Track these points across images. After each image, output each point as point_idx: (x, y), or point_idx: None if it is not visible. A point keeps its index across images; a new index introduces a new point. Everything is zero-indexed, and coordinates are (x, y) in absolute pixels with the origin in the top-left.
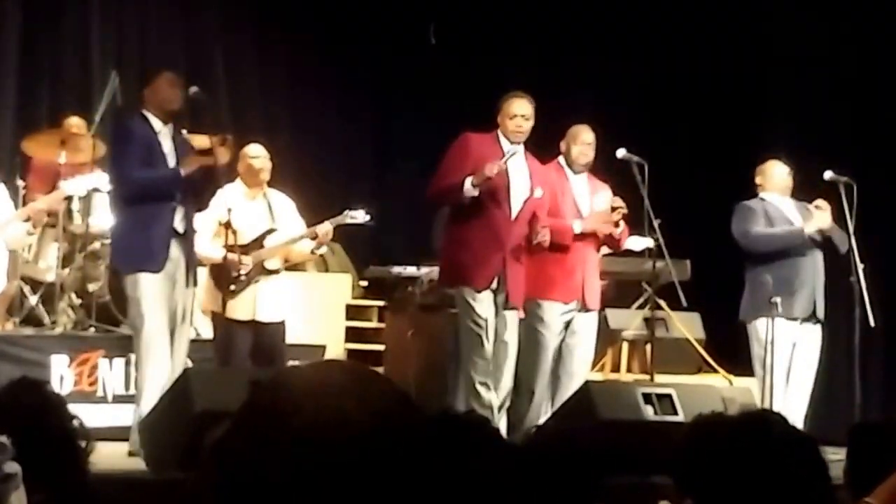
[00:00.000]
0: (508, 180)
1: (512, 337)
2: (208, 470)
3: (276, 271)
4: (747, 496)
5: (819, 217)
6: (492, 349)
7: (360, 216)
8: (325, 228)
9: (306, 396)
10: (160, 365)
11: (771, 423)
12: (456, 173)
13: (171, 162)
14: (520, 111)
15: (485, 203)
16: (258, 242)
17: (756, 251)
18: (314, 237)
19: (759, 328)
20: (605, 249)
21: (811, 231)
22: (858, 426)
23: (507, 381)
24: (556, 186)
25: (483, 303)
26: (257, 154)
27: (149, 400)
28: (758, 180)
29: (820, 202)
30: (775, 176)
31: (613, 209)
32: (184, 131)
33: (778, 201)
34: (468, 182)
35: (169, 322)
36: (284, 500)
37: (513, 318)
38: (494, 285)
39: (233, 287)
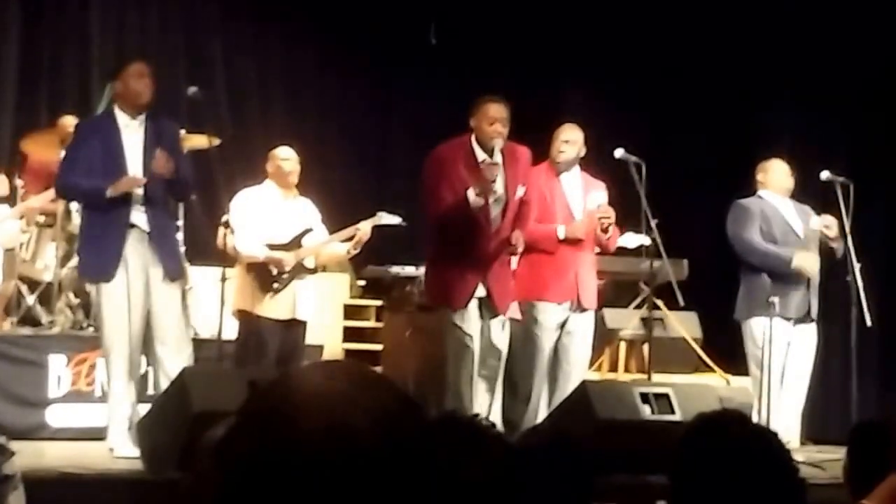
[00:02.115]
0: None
1: (501, 343)
2: (209, 470)
3: (314, 270)
4: (742, 497)
5: (809, 260)
6: (478, 358)
7: (393, 218)
8: (364, 229)
9: (309, 398)
10: (121, 367)
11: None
12: (445, 191)
13: (137, 157)
14: (499, 115)
15: (461, 219)
16: (297, 241)
17: (741, 257)
18: (351, 237)
19: (755, 327)
20: (598, 249)
21: (797, 266)
22: (859, 425)
23: (498, 385)
24: (544, 188)
25: (466, 318)
26: (287, 157)
27: (115, 400)
28: (759, 177)
29: (826, 217)
30: (777, 175)
31: (600, 218)
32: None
33: (776, 201)
34: (471, 194)
35: (143, 319)
36: (286, 501)
37: (499, 325)
38: (482, 292)
39: (276, 285)
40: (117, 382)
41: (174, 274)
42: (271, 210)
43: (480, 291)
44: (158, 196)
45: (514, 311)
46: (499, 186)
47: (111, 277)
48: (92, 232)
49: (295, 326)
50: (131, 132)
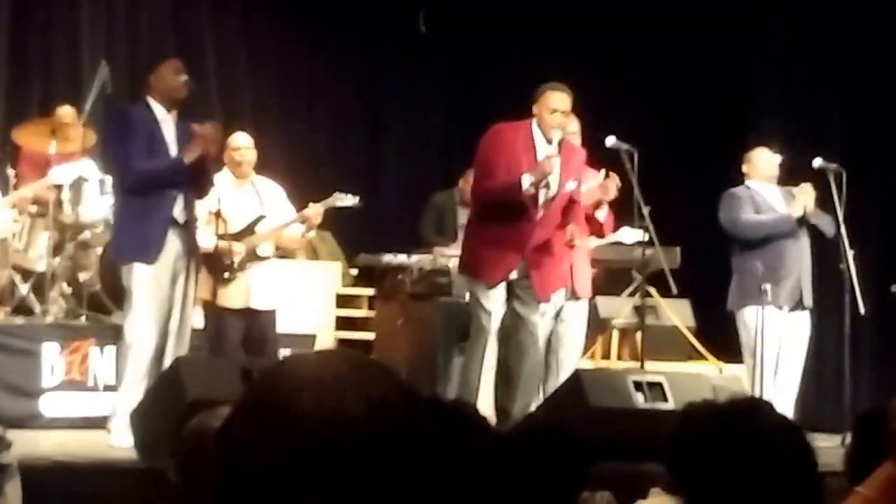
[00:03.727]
0: None
1: (542, 330)
2: (199, 457)
3: (267, 258)
4: (736, 484)
5: (801, 198)
6: (492, 341)
7: (349, 199)
8: (315, 211)
9: (305, 385)
10: (143, 356)
11: (760, 410)
12: (499, 170)
13: (174, 150)
14: (560, 106)
15: (508, 201)
16: (249, 230)
17: (745, 238)
18: (304, 221)
19: (748, 316)
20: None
21: (798, 214)
22: (863, 415)
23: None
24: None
25: (491, 298)
26: (240, 145)
27: (128, 388)
28: (744, 168)
29: (803, 185)
30: (761, 163)
31: (601, 186)
32: (197, 126)
33: (763, 189)
34: (525, 181)
35: (168, 311)
36: (285, 488)
37: (543, 311)
38: (516, 275)
39: (226, 275)
40: (135, 371)
41: (195, 267)
42: (225, 198)
43: (514, 275)
44: (189, 187)
45: (583, 290)
46: (552, 176)
47: (154, 259)
48: (131, 217)
49: (258, 316)
50: (166, 125)
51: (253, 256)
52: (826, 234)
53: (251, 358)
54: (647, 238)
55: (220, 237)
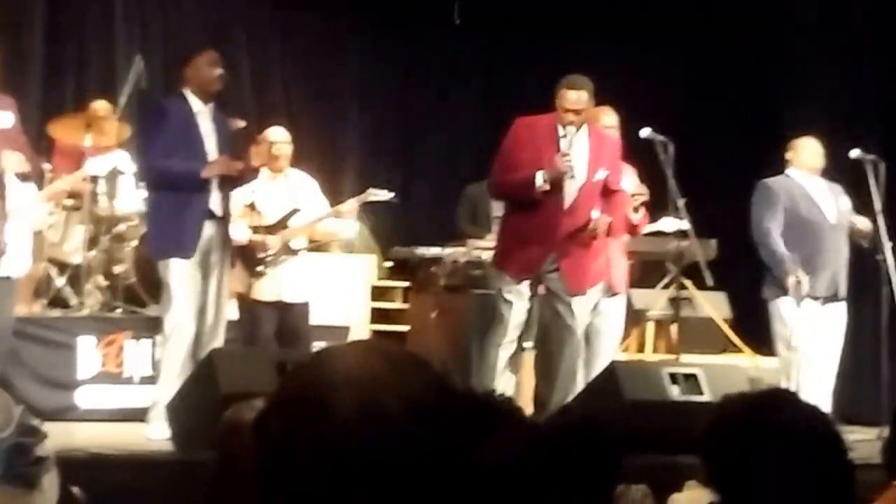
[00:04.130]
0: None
1: (577, 322)
2: (235, 449)
3: (300, 251)
4: (768, 476)
5: (801, 286)
6: (512, 332)
7: (383, 194)
8: (349, 206)
9: (341, 378)
10: (181, 349)
11: (787, 401)
12: (516, 165)
13: (210, 142)
14: (572, 106)
15: (523, 197)
16: (282, 223)
17: (757, 244)
18: (338, 216)
19: (782, 307)
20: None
21: (789, 288)
22: None
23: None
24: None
25: (514, 290)
26: (277, 139)
27: (166, 381)
28: (788, 155)
29: (865, 225)
30: (806, 153)
31: (634, 195)
32: (240, 122)
33: (804, 179)
34: (539, 178)
35: (203, 304)
36: (321, 481)
37: (578, 304)
38: (550, 267)
39: (259, 268)
40: (172, 364)
41: (230, 260)
42: (259, 191)
43: (544, 268)
44: (227, 182)
45: (619, 284)
46: (579, 165)
47: (190, 254)
48: (166, 212)
49: (291, 308)
50: (203, 118)
51: (286, 250)
52: (864, 246)
53: (284, 350)
54: (688, 226)
55: (254, 230)
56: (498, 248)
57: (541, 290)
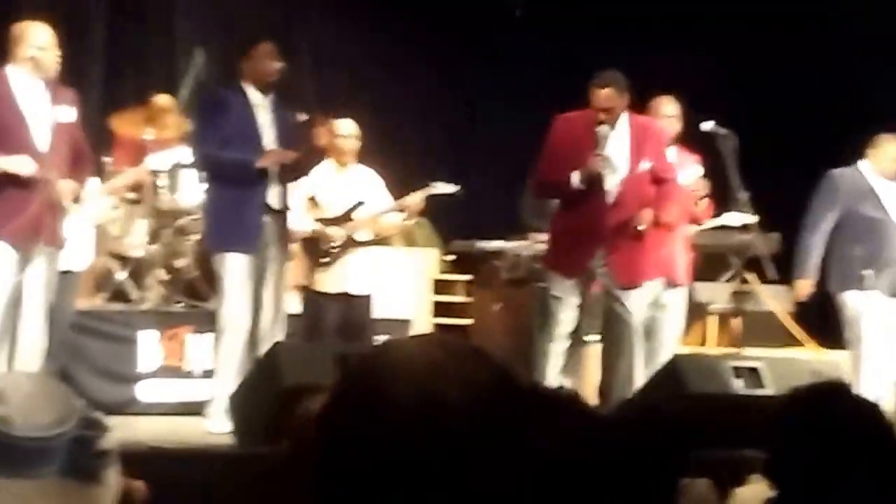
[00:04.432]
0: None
1: (632, 316)
2: (306, 442)
3: (365, 244)
4: (826, 467)
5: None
6: (565, 328)
7: (447, 187)
8: (414, 200)
9: (403, 370)
10: (236, 344)
11: (841, 394)
12: (555, 162)
13: (270, 135)
14: (601, 104)
15: (562, 193)
16: (348, 215)
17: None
18: (403, 209)
19: (848, 301)
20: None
21: (796, 290)
22: None
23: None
24: (674, 167)
25: (561, 286)
26: (346, 133)
27: (223, 376)
28: (868, 153)
29: None
30: (885, 156)
31: (694, 191)
32: (303, 116)
33: (875, 179)
34: (574, 178)
35: (260, 299)
36: (383, 473)
37: (632, 297)
38: (601, 262)
39: (324, 260)
40: (228, 358)
41: (288, 253)
42: (323, 183)
43: (595, 264)
44: (286, 173)
45: (681, 277)
46: (619, 159)
47: (250, 249)
48: (224, 205)
49: (354, 301)
50: (262, 110)
51: (351, 242)
52: None
53: (347, 343)
54: (753, 220)
55: (319, 222)
56: (548, 246)
57: (595, 287)
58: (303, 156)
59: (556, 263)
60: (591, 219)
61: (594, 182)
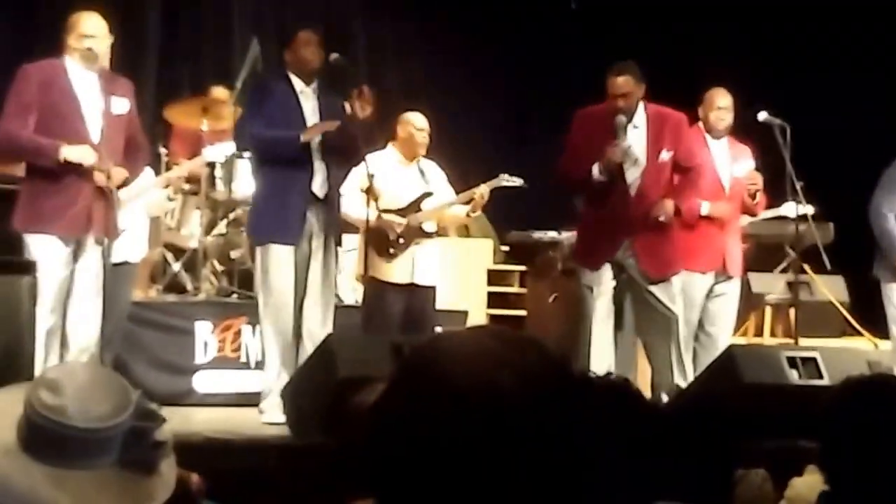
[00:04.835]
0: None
1: (662, 306)
2: (361, 433)
3: (433, 234)
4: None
5: None
6: (605, 320)
7: (514, 180)
8: (482, 191)
9: (457, 360)
10: (281, 335)
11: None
12: (578, 157)
13: (313, 122)
14: (620, 89)
15: (585, 186)
16: (415, 206)
17: (873, 226)
18: (470, 201)
19: (894, 291)
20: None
21: None
22: None
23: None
24: (696, 153)
25: (593, 278)
26: (422, 126)
27: (270, 368)
28: None
29: None
30: None
31: (750, 184)
32: (347, 106)
33: None
34: (595, 170)
35: (305, 290)
36: (437, 462)
37: (661, 289)
38: (625, 257)
39: (392, 250)
40: (274, 349)
41: (335, 243)
42: (390, 175)
43: (619, 255)
44: (332, 162)
45: (734, 268)
46: (638, 150)
47: (295, 241)
48: (269, 194)
49: (419, 291)
50: (306, 98)
51: (419, 232)
52: None
53: (408, 334)
54: (810, 210)
55: (386, 212)
56: (576, 242)
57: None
58: (351, 140)
59: (583, 258)
60: (613, 212)
61: (614, 173)
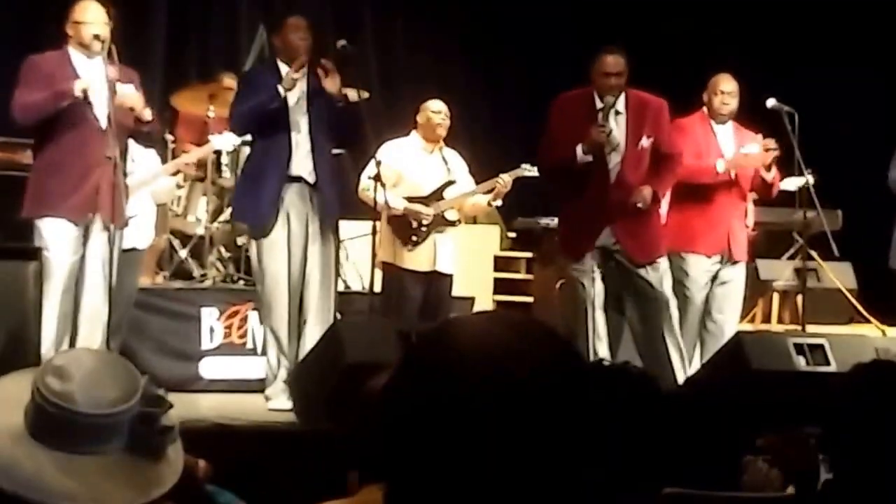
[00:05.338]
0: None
1: (648, 291)
2: (370, 419)
3: (455, 223)
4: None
5: None
6: (598, 300)
7: (535, 170)
8: (505, 180)
9: (468, 346)
10: (278, 322)
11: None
12: (559, 142)
13: (302, 110)
14: (611, 69)
15: (570, 171)
16: (438, 194)
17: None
18: (492, 190)
19: None
20: (753, 195)
21: None
22: None
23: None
24: (700, 141)
25: (580, 268)
26: (439, 110)
27: (271, 356)
28: None
29: None
30: None
31: (766, 150)
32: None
33: None
34: (579, 151)
35: (303, 276)
36: (447, 447)
37: (648, 273)
38: (607, 242)
39: (414, 238)
40: (275, 336)
41: (331, 228)
42: (413, 162)
43: (604, 241)
44: (324, 145)
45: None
46: (618, 136)
47: (268, 232)
48: (249, 182)
49: (438, 279)
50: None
51: (441, 220)
52: None
53: (425, 321)
54: (812, 181)
55: (411, 200)
56: (559, 233)
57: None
58: (349, 117)
59: (566, 248)
60: (595, 198)
61: (598, 154)
